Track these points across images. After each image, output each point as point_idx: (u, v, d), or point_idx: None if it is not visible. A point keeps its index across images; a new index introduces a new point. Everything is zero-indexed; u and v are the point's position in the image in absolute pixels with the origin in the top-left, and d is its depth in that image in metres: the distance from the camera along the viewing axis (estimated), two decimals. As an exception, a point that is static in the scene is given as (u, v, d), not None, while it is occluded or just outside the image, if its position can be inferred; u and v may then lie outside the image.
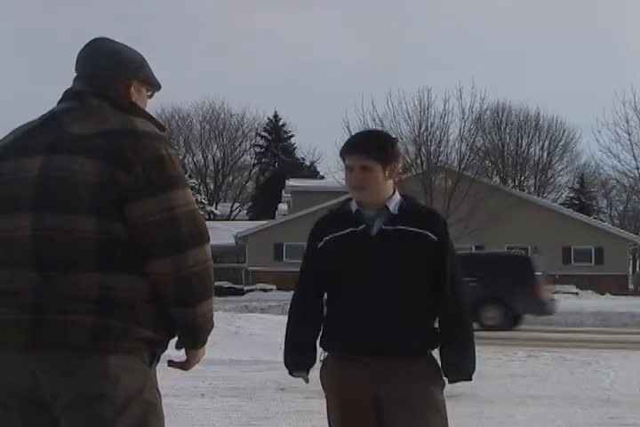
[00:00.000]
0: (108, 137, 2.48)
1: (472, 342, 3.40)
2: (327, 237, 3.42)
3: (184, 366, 2.68)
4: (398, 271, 3.33)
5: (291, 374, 3.59)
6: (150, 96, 2.82)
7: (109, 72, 2.68)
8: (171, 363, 2.68)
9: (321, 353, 3.54)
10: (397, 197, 3.46)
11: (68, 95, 2.68)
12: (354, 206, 3.45)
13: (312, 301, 3.48)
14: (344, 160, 3.45)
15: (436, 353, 3.40)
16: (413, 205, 3.47)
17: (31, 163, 2.52)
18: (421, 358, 3.36)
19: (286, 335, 3.57)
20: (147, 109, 2.77)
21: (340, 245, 3.40)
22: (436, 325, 3.40)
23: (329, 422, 3.50)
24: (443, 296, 3.35)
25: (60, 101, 2.68)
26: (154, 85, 2.81)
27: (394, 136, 3.71)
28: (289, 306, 3.57)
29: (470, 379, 3.42)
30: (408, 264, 3.33)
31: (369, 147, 3.40)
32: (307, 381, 3.58)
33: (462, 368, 3.40)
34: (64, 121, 2.58)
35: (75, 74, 2.72)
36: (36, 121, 2.66)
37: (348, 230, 3.40)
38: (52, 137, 2.54)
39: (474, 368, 3.40)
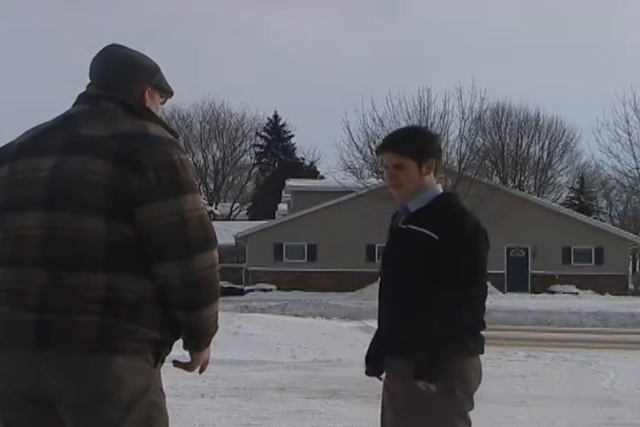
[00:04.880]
0: (120, 139, 2.50)
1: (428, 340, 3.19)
2: None
3: (188, 367, 2.70)
4: (400, 272, 3.33)
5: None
6: (163, 102, 2.85)
7: (124, 77, 2.70)
8: (176, 363, 2.69)
9: None
10: (432, 194, 3.39)
11: (82, 98, 2.71)
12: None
13: None
14: (381, 158, 3.48)
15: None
16: (439, 203, 3.37)
17: (44, 162, 2.54)
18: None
19: None
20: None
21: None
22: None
23: None
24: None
25: (74, 104, 2.71)
26: (167, 92, 2.84)
27: (435, 133, 3.73)
28: None
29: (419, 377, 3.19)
30: (409, 264, 3.31)
31: (402, 145, 3.40)
32: (380, 379, 3.56)
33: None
34: (78, 123, 2.60)
35: (86, 81, 2.75)
36: (50, 122, 2.69)
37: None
38: (65, 138, 2.57)
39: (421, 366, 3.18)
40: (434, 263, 3.22)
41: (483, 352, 3.41)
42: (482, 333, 3.41)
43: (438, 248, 3.23)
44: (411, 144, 3.40)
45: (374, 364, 3.46)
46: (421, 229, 3.27)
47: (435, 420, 3.28)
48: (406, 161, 3.37)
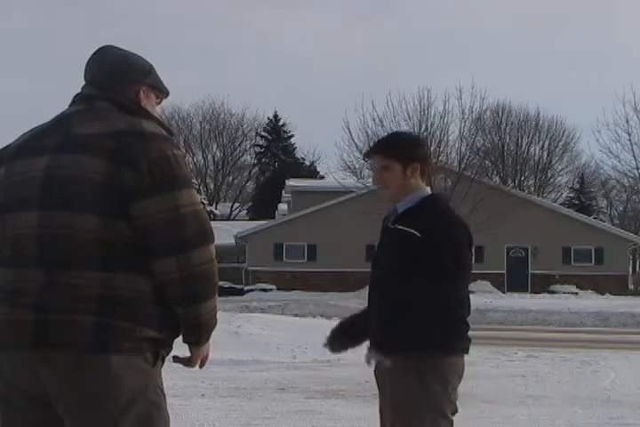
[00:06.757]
0: (115, 137, 2.51)
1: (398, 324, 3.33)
2: None
3: (188, 362, 2.70)
4: (390, 271, 3.39)
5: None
6: (159, 103, 2.85)
7: (119, 77, 2.71)
8: (176, 358, 2.70)
9: None
10: (419, 195, 3.50)
11: (78, 99, 2.72)
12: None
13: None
14: (370, 161, 3.67)
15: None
16: (425, 204, 3.48)
17: (39, 162, 2.55)
18: (410, 357, 3.33)
19: None
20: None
21: None
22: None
23: None
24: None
25: (70, 105, 2.72)
26: (162, 92, 2.85)
27: (421, 138, 3.88)
28: None
29: (386, 353, 3.36)
30: (397, 264, 3.37)
31: (387, 147, 3.56)
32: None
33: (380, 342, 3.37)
34: (73, 122, 2.61)
35: (81, 82, 2.75)
36: (46, 123, 2.70)
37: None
38: (61, 137, 2.58)
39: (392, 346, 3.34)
40: (418, 261, 3.31)
41: (467, 352, 3.45)
42: (470, 333, 3.46)
43: (421, 246, 3.31)
44: (396, 148, 3.54)
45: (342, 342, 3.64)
46: (406, 228, 3.37)
47: (415, 417, 3.33)
48: (391, 163, 3.51)
